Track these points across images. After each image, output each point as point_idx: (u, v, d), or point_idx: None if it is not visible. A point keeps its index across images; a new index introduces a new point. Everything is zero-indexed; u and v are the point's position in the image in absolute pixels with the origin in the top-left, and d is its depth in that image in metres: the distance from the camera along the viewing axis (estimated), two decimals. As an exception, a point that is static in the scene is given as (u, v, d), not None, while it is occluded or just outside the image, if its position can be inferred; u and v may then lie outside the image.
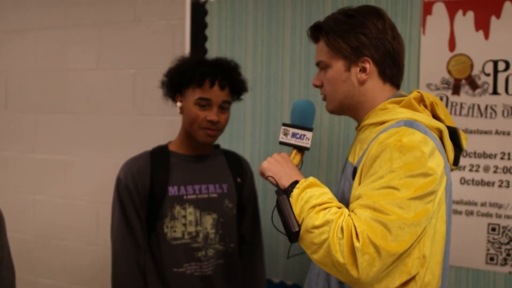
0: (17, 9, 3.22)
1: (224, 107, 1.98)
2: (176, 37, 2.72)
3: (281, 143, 1.74)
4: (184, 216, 1.99)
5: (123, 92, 2.88)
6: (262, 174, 1.65)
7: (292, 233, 1.44)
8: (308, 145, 1.71)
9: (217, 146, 2.20)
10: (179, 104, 2.01)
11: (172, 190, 2.00)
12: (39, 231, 3.21)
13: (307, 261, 1.69)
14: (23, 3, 3.19)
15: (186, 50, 2.64)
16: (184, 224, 1.99)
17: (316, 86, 1.69)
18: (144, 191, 1.99)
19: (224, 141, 2.55)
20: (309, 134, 1.71)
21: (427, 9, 2.20)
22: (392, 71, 1.60)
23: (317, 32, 1.65)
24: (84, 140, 3.03)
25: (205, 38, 2.60)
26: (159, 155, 2.06)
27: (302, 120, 1.73)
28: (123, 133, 2.89)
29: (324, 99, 1.68)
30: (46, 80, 3.14)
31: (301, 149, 1.73)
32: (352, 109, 1.64)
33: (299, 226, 1.44)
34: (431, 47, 2.20)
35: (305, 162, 2.32)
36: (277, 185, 1.57)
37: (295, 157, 1.72)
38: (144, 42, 2.81)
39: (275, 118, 2.47)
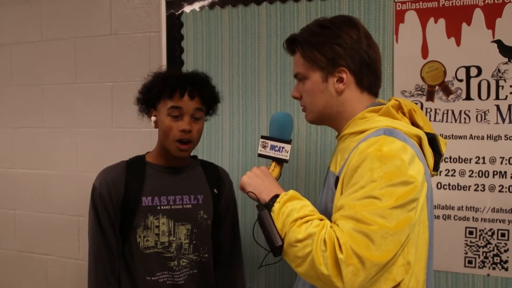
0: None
1: (196, 117, 1.98)
2: (152, 50, 2.72)
3: (260, 155, 1.75)
4: (157, 226, 2.00)
5: (101, 106, 2.87)
6: (243, 189, 1.64)
7: (276, 247, 1.44)
8: (287, 158, 1.73)
9: (195, 157, 2.22)
10: (153, 118, 2.03)
11: (146, 201, 2.00)
12: (19, 246, 3.19)
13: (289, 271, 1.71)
14: (0, 18, 3.18)
15: (163, 62, 2.64)
16: (157, 234, 1.99)
17: (296, 97, 1.69)
18: (117, 200, 1.99)
19: (202, 152, 2.56)
20: (287, 147, 1.73)
21: (399, 17, 2.23)
22: (370, 79, 1.61)
23: (292, 44, 1.66)
24: (62, 154, 3.01)
25: (181, 50, 2.61)
26: (135, 165, 2.07)
27: (280, 133, 1.75)
28: (101, 147, 2.89)
29: (304, 110, 1.69)
30: (23, 95, 3.12)
31: (280, 162, 1.74)
32: (331, 119, 1.65)
33: (282, 240, 1.44)
34: (404, 55, 2.23)
35: (284, 171, 2.34)
36: (257, 200, 1.57)
37: (274, 169, 1.72)
38: (121, 55, 2.81)
39: (252, 129, 2.49)
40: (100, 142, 2.89)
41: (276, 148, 1.73)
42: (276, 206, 1.49)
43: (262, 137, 1.76)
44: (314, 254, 1.34)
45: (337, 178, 1.53)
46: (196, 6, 2.57)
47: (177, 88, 1.94)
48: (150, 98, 2.01)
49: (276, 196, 1.52)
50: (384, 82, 2.23)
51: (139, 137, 2.78)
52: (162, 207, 2.01)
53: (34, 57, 3.07)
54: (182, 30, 2.61)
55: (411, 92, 2.22)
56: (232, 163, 2.52)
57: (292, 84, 2.21)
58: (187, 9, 2.59)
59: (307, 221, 1.42)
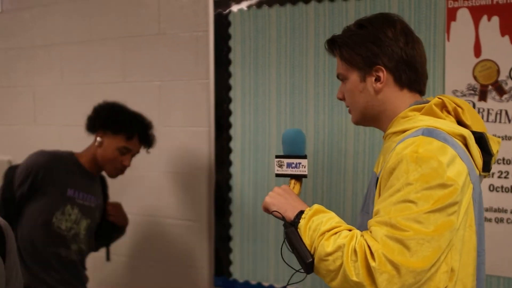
0: (42, 24, 3.27)
1: (134, 155, 2.47)
2: (200, 49, 2.73)
3: (278, 175, 1.73)
4: (70, 214, 2.38)
5: (148, 104, 2.90)
6: (267, 210, 1.63)
7: (307, 264, 1.41)
8: (306, 172, 1.70)
9: None
10: (99, 139, 2.43)
11: (70, 192, 2.40)
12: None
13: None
14: (49, 19, 3.24)
15: (210, 61, 2.66)
16: (67, 220, 2.37)
17: (340, 99, 1.69)
18: (43, 181, 2.34)
19: (249, 151, 2.56)
20: (304, 162, 1.69)
21: (451, 15, 2.19)
22: (409, 76, 1.57)
23: (332, 46, 1.65)
24: (111, 153, 3.06)
25: (229, 49, 2.62)
26: (70, 161, 2.46)
27: (294, 149, 1.72)
28: (149, 145, 2.91)
29: (349, 112, 1.68)
30: (72, 94, 3.18)
31: (299, 178, 1.71)
32: (375, 119, 1.63)
33: (312, 256, 1.41)
34: (456, 54, 2.18)
35: (331, 172, 2.34)
36: (283, 218, 1.55)
37: (295, 186, 1.70)
38: (168, 54, 2.84)
39: (299, 127, 2.47)
40: (148, 140, 2.92)
41: (293, 165, 1.71)
42: (302, 222, 1.47)
43: (277, 156, 1.74)
44: (346, 266, 1.31)
45: (377, 179, 1.51)
46: (244, 5, 2.57)
47: (137, 133, 2.40)
48: (108, 127, 2.40)
49: (301, 212, 1.50)
50: (435, 81, 2.20)
51: (186, 136, 2.80)
52: (78, 200, 2.42)
53: (83, 56, 3.13)
54: (229, 29, 2.61)
55: (463, 91, 2.18)
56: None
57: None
58: (235, 8, 2.60)
59: (335, 233, 1.39)
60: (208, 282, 2.74)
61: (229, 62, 2.62)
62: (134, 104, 2.91)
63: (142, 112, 2.52)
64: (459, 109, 1.56)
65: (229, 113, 2.62)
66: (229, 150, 2.63)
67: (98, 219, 2.54)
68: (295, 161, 1.69)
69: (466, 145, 1.49)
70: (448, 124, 1.49)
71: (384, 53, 1.55)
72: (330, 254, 1.35)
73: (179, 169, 2.82)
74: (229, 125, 2.63)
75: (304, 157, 1.69)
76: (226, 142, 2.64)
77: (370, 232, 1.35)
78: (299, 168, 1.69)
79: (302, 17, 2.45)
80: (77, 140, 3.14)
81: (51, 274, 2.38)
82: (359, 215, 1.64)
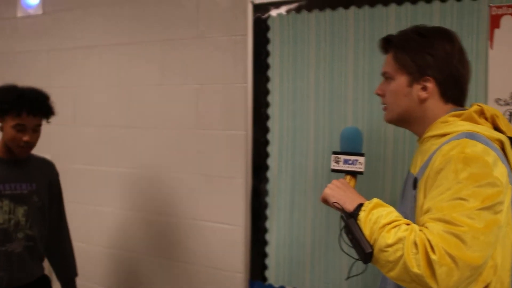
0: (83, 27, 3.32)
1: (36, 129, 2.53)
2: (238, 53, 2.74)
3: (334, 170, 1.83)
4: (1, 207, 2.50)
5: (186, 107, 2.92)
6: (325, 201, 1.73)
7: (366, 254, 1.49)
8: (362, 169, 1.80)
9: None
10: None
11: None
12: (103, 242, 3.30)
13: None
14: (89, 21, 3.28)
15: (249, 65, 2.66)
16: (1, 213, 2.49)
17: (378, 94, 1.76)
18: None
19: (287, 156, 2.56)
20: (361, 159, 1.80)
21: (495, 23, 2.15)
22: (454, 93, 1.66)
23: (387, 44, 1.73)
24: (147, 154, 3.09)
25: (267, 54, 2.62)
26: None
27: (352, 146, 1.82)
28: (185, 148, 2.94)
29: (384, 109, 1.75)
30: (111, 95, 3.22)
31: (354, 174, 1.80)
32: (410, 123, 1.72)
33: (372, 247, 1.48)
34: (499, 61, 2.14)
35: (368, 177, 2.32)
36: (342, 210, 1.64)
37: (350, 182, 1.79)
38: (206, 58, 2.85)
39: (338, 134, 2.46)
40: (185, 143, 2.94)
41: (350, 162, 1.80)
42: (362, 214, 1.55)
43: (334, 152, 1.83)
44: (406, 257, 1.39)
45: (415, 179, 1.59)
46: (283, 9, 2.57)
47: (24, 109, 2.44)
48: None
49: (361, 205, 1.59)
50: (477, 89, 2.16)
51: (224, 139, 2.81)
52: (5, 192, 2.51)
53: (122, 58, 3.17)
54: (268, 33, 2.61)
55: (506, 100, 2.14)
56: (317, 168, 2.50)
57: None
58: (274, 12, 2.60)
59: (395, 226, 1.47)
60: (243, 287, 2.75)
61: (267, 66, 2.62)
62: (171, 107, 2.95)
63: (37, 87, 2.63)
64: (495, 116, 1.64)
65: (267, 117, 2.63)
66: (267, 155, 2.63)
67: (39, 202, 2.63)
68: (352, 157, 1.79)
69: (503, 149, 1.57)
70: (486, 129, 1.57)
71: (437, 66, 1.63)
72: (390, 245, 1.43)
73: (216, 173, 2.84)
74: (266, 130, 2.63)
75: (362, 154, 1.79)
76: (264, 146, 2.64)
77: (426, 228, 1.42)
78: (355, 164, 1.79)
79: (342, 22, 2.43)
80: (115, 139, 3.20)
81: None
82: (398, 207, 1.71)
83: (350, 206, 1.62)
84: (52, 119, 3.30)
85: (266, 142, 2.64)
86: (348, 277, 1.80)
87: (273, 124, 2.62)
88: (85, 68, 3.34)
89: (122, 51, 3.16)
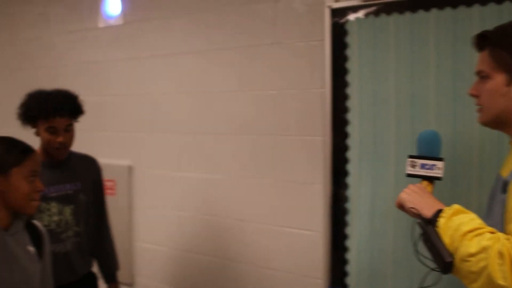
0: (162, 35, 3.39)
1: (67, 129, 2.60)
2: (316, 58, 2.73)
3: (409, 175, 1.75)
4: (49, 209, 2.61)
5: (264, 113, 2.94)
6: (401, 206, 1.66)
7: (446, 263, 1.42)
8: (440, 175, 1.71)
9: (70, 152, 2.74)
10: (34, 130, 2.61)
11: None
12: (183, 246, 3.36)
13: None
14: (169, 29, 3.36)
15: (327, 70, 2.64)
16: (50, 215, 2.60)
17: (473, 95, 1.65)
18: None
19: (368, 162, 2.53)
20: (440, 164, 1.71)
21: None
22: None
23: (482, 41, 1.61)
24: (226, 160, 3.12)
25: (345, 58, 2.59)
26: None
27: (430, 150, 1.74)
28: (264, 154, 2.95)
29: (479, 111, 1.64)
30: (190, 102, 3.28)
31: (431, 180, 1.72)
32: (505, 125, 1.61)
33: (452, 256, 1.42)
34: None
35: (455, 183, 2.26)
36: (420, 215, 1.57)
37: (427, 188, 1.70)
38: (284, 64, 2.86)
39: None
40: (262, 149, 2.96)
41: (427, 166, 1.72)
42: (442, 221, 1.48)
43: (410, 156, 1.76)
44: (491, 268, 1.31)
45: (505, 183, 1.49)
46: (361, 13, 2.54)
47: (51, 112, 2.52)
48: (29, 118, 2.58)
49: (440, 210, 1.51)
50: None
51: (302, 145, 2.81)
52: (51, 195, 2.60)
53: (201, 66, 3.21)
54: (346, 38, 2.59)
55: None
56: (398, 173, 2.46)
57: (465, 93, 2.12)
58: (352, 17, 2.57)
59: (478, 234, 1.38)
60: (323, 293, 2.74)
61: (346, 71, 2.59)
62: (249, 113, 2.96)
63: (69, 89, 2.70)
64: None
65: (346, 122, 2.60)
66: (346, 160, 2.61)
67: (85, 199, 2.75)
68: (429, 162, 1.71)
69: None
70: None
71: None
72: (473, 255, 1.35)
73: (294, 178, 2.83)
74: (346, 135, 2.61)
75: (441, 159, 1.71)
76: (343, 152, 2.61)
77: None
78: (433, 169, 1.71)
79: (422, 25, 2.38)
80: (194, 146, 3.25)
81: None
82: (484, 219, 1.60)
83: (428, 212, 1.56)
84: (133, 126, 3.40)
85: (346, 148, 2.61)
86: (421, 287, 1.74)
87: (352, 129, 2.59)
88: (164, 76, 3.41)
89: (200, 59, 3.21)
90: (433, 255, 1.47)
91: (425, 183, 1.73)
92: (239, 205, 3.07)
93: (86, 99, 3.64)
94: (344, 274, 2.64)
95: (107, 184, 3.65)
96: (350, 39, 2.58)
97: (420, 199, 1.62)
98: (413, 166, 1.75)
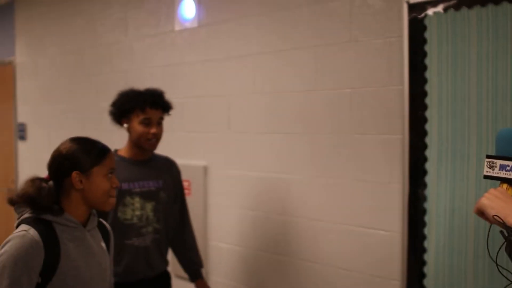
0: (236, 37, 3.42)
1: (159, 122, 2.83)
2: (393, 55, 2.68)
3: (487, 177, 1.62)
4: (133, 203, 2.80)
5: (339, 112, 2.91)
6: (481, 213, 1.55)
7: None
8: None
9: (153, 152, 2.95)
10: (125, 125, 2.83)
11: (124, 186, 2.76)
12: (257, 245, 3.36)
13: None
14: (242, 31, 3.38)
15: (405, 67, 2.59)
16: (133, 209, 2.80)
17: None
18: None
19: (447, 161, 2.45)
20: None
21: None
22: None
23: None
24: (300, 159, 3.11)
25: (424, 54, 2.53)
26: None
27: (510, 150, 1.60)
28: (340, 153, 2.91)
29: None
30: (264, 102, 3.28)
31: None
32: None
33: None
34: None
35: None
36: (504, 224, 1.47)
37: (508, 191, 1.58)
38: (360, 62, 2.82)
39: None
40: (339, 148, 2.92)
41: (508, 168, 1.58)
42: None
43: (488, 156, 1.62)
44: None
45: None
46: (441, 7, 2.48)
47: (147, 103, 2.76)
48: (124, 111, 2.80)
49: None
50: None
51: (378, 143, 2.75)
52: (135, 190, 2.82)
53: (275, 66, 3.22)
54: (425, 33, 2.53)
55: None
56: (478, 173, 2.36)
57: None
58: (431, 11, 2.51)
59: None
60: (400, 294, 2.67)
61: (424, 67, 2.53)
62: (324, 112, 2.94)
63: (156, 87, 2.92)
64: None
65: (424, 120, 2.54)
66: (425, 159, 2.54)
67: (165, 197, 2.91)
68: (510, 163, 1.57)
69: None
70: None
71: None
72: None
73: (371, 177, 2.78)
74: (424, 133, 2.54)
75: None
76: (422, 150, 2.55)
77: None
78: None
79: (507, 17, 2.29)
80: (270, 146, 3.25)
81: (120, 264, 2.76)
82: None
83: None
84: (208, 127, 3.46)
85: (424, 146, 2.54)
86: None
87: (431, 127, 2.52)
88: (238, 77, 3.43)
89: (275, 59, 3.22)
90: None
91: (505, 185, 1.60)
92: (314, 205, 3.05)
93: (163, 100, 3.69)
94: (422, 275, 2.57)
95: (183, 184, 3.71)
96: (429, 34, 2.52)
97: (504, 205, 1.51)
98: (492, 167, 1.62)
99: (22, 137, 5.80)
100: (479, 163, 2.37)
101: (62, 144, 2.09)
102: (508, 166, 1.58)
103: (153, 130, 2.77)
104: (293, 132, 3.14)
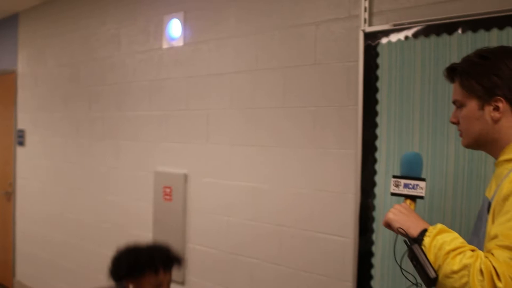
0: (216, 56, 3.71)
1: (169, 282, 2.44)
2: (350, 77, 2.96)
3: (393, 194, 1.85)
4: None
5: (304, 128, 3.19)
6: (388, 226, 1.77)
7: (431, 279, 1.54)
8: (423, 194, 1.81)
9: None
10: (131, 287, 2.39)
11: None
12: (230, 248, 3.63)
13: None
14: (222, 51, 3.67)
15: (360, 89, 2.86)
16: None
17: (453, 123, 1.80)
18: None
19: (393, 174, 2.72)
20: (422, 184, 1.81)
21: None
22: None
23: (452, 73, 1.77)
24: (270, 170, 3.39)
25: (376, 78, 2.81)
26: None
27: (412, 171, 1.83)
28: (304, 165, 3.19)
29: (460, 135, 1.78)
30: (239, 116, 3.57)
31: (414, 199, 1.83)
32: (487, 145, 1.73)
33: (436, 272, 1.53)
34: None
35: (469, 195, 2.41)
36: (406, 235, 1.68)
37: (410, 206, 1.81)
38: (322, 82, 3.10)
39: (442, 153, 2.58)
40: (303, 160, 3.20)
41: (410, 186, 1.81)
42: (427, 240, 1.59)
43: (394, 176, 1.86)
44: (471, 284, 1.43)
45: (489, 204, 1.59)
46: (392, 37, 2.76)
47: (161, 267, 2.38)
48: (133, 272, 2.38)
49: (425, 230, 1.63)
50: None
51: (338, 157, 3.03)
52: None
53: (250, 84, 3.51)
54: (377, 59, 2.81)
55: None
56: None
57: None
58: (384, 40, 2.79)
59: (460, 253, 1.50)
60: (351, 294, 2.94)
61: (376, 89, 2.81)
62: (291, 127, 3.22)
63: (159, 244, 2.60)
64: None
65: (375, 137, 2.81)
66: (375, 172, 2.81)
67: None
68: (412, 182, 1.82)
69: None
70: None
71: (505, 85, 1.63)
72: (456, 272, 1.48)
73: (330, 188, 3.06)
74: (375, 148, 2.82)
75: (423, 179, 1.81)
76: (372, 164, 2.82)
77: (492, 254, 1.45)
78: (416, 189, 1.81)
79: (446, 48, 2.57)
80: (243, 157, 3.53)
81: None
82: (470, 237, 1.74)
83: (414, 232, 1.65)
84: (188, 138, 3.72)
85: (374, 160, 2.82)
86: None
87: (380, 143, 2.80)
88: (218, 93, 3.72)
89: (249, 77, 3.51)
90: (419, 271, 1.58)
91: (408, 201, 1.83)
92: (280, 212, 3.32)
93: (150, 113, 4.04)
94: (370, 277, 2.83)
95: (165, 190, 3.99)
96: (381, 60, 2.80)
97: (406, 218, 1.71)
98: (397, 185, 1.85)
99: (21, 143, 6.08)
100: (419, 177, 2.64)
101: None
102: (410, 184, 1.82)
103: None
104: (265, 145, 3.42)
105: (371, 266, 2.83)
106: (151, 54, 4.25)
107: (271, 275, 3.37)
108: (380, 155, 2.81)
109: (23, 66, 6.09)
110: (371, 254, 2.83)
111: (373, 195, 2.83)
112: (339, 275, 3.00)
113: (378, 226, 2.80)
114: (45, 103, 5.69)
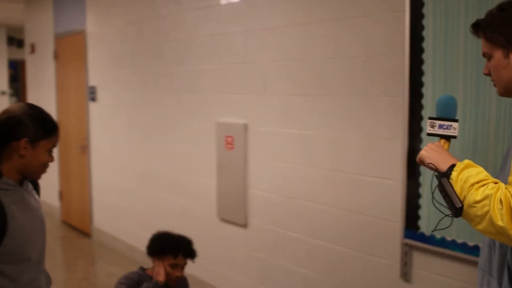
0: (270, 9, 3.86)
1: (183, 267, 3.13)
2: (397, 27, 3.06)
3: (429, 134, 1.98)
4: None
5: (354, 76, 3.33)
6: (422, 162, 1.92)
7: (457, 209, 1.69)
8: (456, 134, 1.93)
9: None
10: (155, 263, 3.11)
11: None
12: (287, 192, 3.87)
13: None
14: (276, 4, 3.82)
15: (406, 38, 2.97)
16: None
17: (486, 74, 1.90)
18: None
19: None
20: (455, 124, 1.93)
21: None
22: None
23: (477, 29, 1.88)
24: (321, 118, 3.56)
25: (422, 27, 2.91)
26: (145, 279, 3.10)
27: (446, 113, 1.96)
28: (353, 112, 3.36)
29: (494, 85, 1.89)
30: (295, 68, 3.74)
31: (448, 138, 1.95)
32: None
33: (462, 202, 1.69)
34: None
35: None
36: (436, 170, 1.83)
37: (444, 145, 1.93)
38: (370, 33, 3.23)
39: (485, 99, 2.68)
40: (352, 108, 3.37)
41: (444, 127, 1.93)
42: (454, 174, 1.73)
43: (430, 118, 1.98)
44: (492, 212, 1.59)
45: None
46: (437, -14, 2.84)
47: (180, 252, 3.10)
48: (158, 252, 3.09)
49: (453, 165, 1.77)
50: None
51: (387, 104, 3.17)
52: None
53: (301, 36, 3.65)
54: (423, 9, 2.90)
55: None
56: (463, 130, 2.75)
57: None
58: (429, -11, 2.88)
59: (483, 185, 1.65)
60: (400, 234, 3.11)
61: (422, 38, 2.92)
62: (342, 76, 3.36)
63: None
64: None
65: (421, 84, 2.93)
66: (421, 118, 2.94)
67: None
68: (446, 123, 1.94)
69: None
70: None
71: None
72: (478, 202, 1.62)
73: (377, 133, 3.22)
74: (421, 95, 2.94)
75: (456, 120, 1.95)
76: (418, 110, 2.95)
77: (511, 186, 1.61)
78: (449, 129, 1.94)
79: (489, -4, 2.64)
80: (296, 107, 3.71)
81: None
82: (498, 173, 1.88)
83: (443, 167, 1.78)
84: (246, 90, 3.93)
85: (421, 107, 2.95)
86: (434, 230, 2.06)
87: (426, 90, 2.92)
88: (272, 46, 3.89)
89: (301, 30, 3.66)
90: (447, 202, 1.73)
91: (442, 141, 1.95)
92: (332, 157, 3.51)
93: (210, 67, 4.25)
94: (417, 217, 3.00)
95: (227, 139, 4.24)
96: (426, 10, 2.90)
97: (437, 155, 1.84)
98: (433, 126, 1.96)
99: (93, 99, 6.45)
100: (462, 122, 2.75)
101: (17, 107, 2.12)
102: (445, 125, 1.95)
103: (178, 273, 3.09)
104: (317, 94, 3.58)
105: (418, 207, 3.00)
106: (210, 10, 4.43)
107: (326, 217, 3.59)
108: (426, 101, 2.93)
109: (91, 26, 6.40)
110: (418, 196, 2.99)
111: (419, 140, 2.97)
112: (389, 216, 3.19)
113: (424, 169, 2.94)
114: (113, 60, 6.00)
